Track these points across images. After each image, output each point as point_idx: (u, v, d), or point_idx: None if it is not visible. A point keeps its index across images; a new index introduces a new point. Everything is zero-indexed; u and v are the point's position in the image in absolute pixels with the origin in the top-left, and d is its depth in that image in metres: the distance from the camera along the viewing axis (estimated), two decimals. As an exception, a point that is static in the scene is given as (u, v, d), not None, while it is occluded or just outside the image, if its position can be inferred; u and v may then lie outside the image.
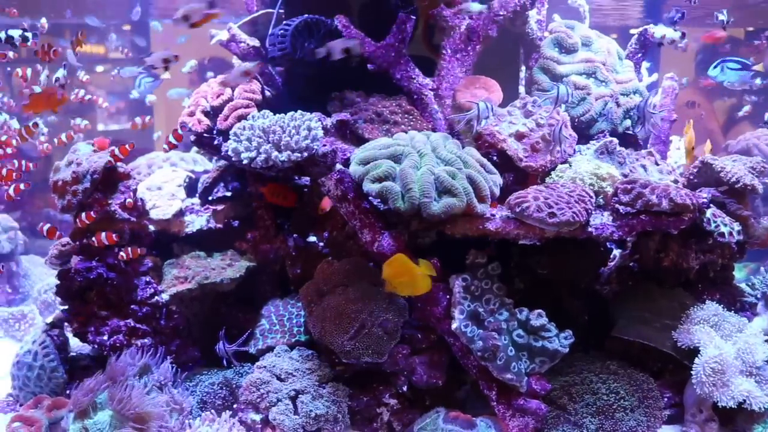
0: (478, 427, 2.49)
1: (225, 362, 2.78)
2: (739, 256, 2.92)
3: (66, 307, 2.89)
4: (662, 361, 2.71)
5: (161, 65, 2.73)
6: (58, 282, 2.88)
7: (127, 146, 2.80)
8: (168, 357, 2.76)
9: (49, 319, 3.05)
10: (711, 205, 2.82)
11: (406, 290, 2.48)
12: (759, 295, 3.04)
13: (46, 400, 2.68)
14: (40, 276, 4.29)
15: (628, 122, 3.25)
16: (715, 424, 2.56)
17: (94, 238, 2.73)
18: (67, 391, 2.80)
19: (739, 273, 3.49)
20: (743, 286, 3.07)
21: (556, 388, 2.60)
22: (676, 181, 2.98)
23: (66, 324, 2.93)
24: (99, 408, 2.51)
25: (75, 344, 3.00)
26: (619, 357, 2.74)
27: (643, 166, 3.03)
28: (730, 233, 2.75)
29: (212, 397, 2.71)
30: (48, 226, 2.65)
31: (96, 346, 2.82)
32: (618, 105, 3.21)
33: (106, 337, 2.78)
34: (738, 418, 2.55)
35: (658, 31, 3.16)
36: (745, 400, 2.45)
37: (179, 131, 2.82)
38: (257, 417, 2.56)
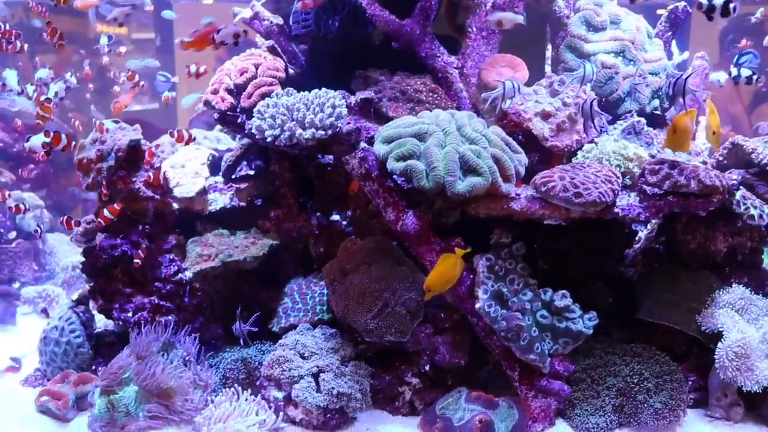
0: (500, 407, 2.48)
1: (242, 342, 2.80)
2: (768, 239, 2.87)
3: (91, 284, 2.92)
4: (687, 344, 2.69)
5: (232, 40, 2.74)
6: (83, 259, 2.91)
7: (153, 148, 2.86)
8: (191, 334, 2.78)
9: (75, 296, 3.08)
10: (741, 187, 2.77)
11: (448, 286, 2.42)
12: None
13: (73, 375, 2.72)
14: (66, 253, 4.34)
15: (656, 102, 3.19)
16: (741, 409, 2.53)
17: (99, 219, 2.75)
18: (93, 367, 2.84)
19: (768, 257, 3.43)
20: (772, 270, 3.02)
21: (579, 369, 2.58)
22: (704, 163, 2.94)
23: (91, 301, 2.97)
24: (124, 383, 2.54)
25: (100, 320, 3.04)
26: (643, 339, 2.71)
27: (671, 147, 2.98)
28: (760, 216, 2.70)
29: (235, 374, 2.72)
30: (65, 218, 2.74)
31: (120, 323, 2.85)
32: (646, 84, 3.15)
33: (130, 314, 2.81)
34: (764, 402, 2.52)
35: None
36: (770, 385, 2.42)
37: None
38: (280, 394, 2.57)
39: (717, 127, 2.55)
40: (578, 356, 2.61)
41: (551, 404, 2.51)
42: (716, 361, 2.47)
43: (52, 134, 2.70)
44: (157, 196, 2.92)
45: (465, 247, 2.52)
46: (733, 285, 2.71)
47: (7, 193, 3.41)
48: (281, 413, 2.53)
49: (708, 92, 2.85)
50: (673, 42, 3.46)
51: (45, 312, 3.15)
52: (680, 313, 2.66)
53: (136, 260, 2.76)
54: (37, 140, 2.88)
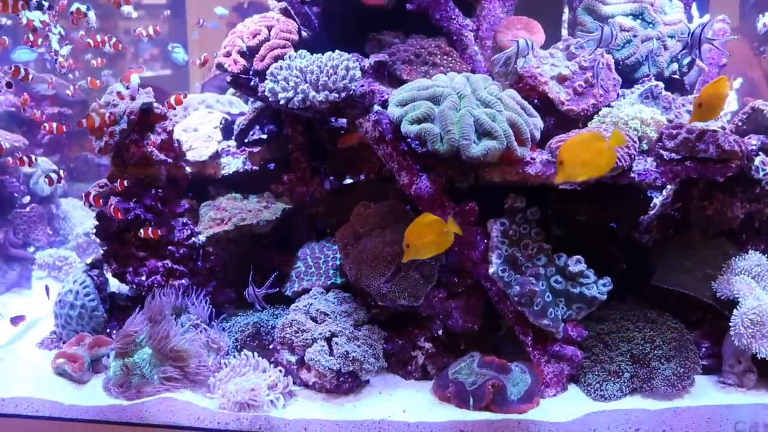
0: (513, 372, 2.48)
1: (258, 306, 2.76)
2: (787, 206, 2.83)
3: (105, 248, 2.93)
4: (701, 310, 2.67)
5: None
6: (97, 223, 2.91)
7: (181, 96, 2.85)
8: (205, 298, 2.79)
9: (89, 260, 3.10)
10: (760, 152, 2.72)
11: (431, 251, 2.36)
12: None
13: (88, 337, 2.74)
14: (80, 218, 4.36)
15: (674, 66, 3.13)
16: (754, 376, 2.52)
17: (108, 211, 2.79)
18: (107, 330, 2.87)
19: (786, 224, 3.38)
20: (790, 237, 2.98)
21: (592, 335, 2.57)
22: (723, 128, 2.88)
23: (105, 264, 2.98)
24: (138, 346, 2.56)
25: (114, 284, 3.05)
26: (657, 306, 2.70)
27: (689, 112, 2.93)
28: (780, 182, 2.66)
29: (247, 337, 2.73)
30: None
31: (134, 287, 2.87)
32: (665, 48, 3.09)
33: (144, 278, 2.83)
34: (779, 369, 2.51)
35: None
36: (785, 352, 2.41)
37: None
38: (293, 358, 2.58)
39: (704, 98, 2.39)
40: (592, 322, 2.60)
41: (564, 369, 2.51)
42: (731, 328, 2.45)
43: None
44: (170, 160, 2.91)
45: (474, 209, 2.50)
46: (750, 252, 2.69)
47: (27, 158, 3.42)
48: (294, 376, 2.54)
49: (733, 36, 2.77)
50: (693, 5, 3.38)
51: (47, 290, 3.19)
52: (695, 279, 2.64)
53: (146, 231, 2.77)
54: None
